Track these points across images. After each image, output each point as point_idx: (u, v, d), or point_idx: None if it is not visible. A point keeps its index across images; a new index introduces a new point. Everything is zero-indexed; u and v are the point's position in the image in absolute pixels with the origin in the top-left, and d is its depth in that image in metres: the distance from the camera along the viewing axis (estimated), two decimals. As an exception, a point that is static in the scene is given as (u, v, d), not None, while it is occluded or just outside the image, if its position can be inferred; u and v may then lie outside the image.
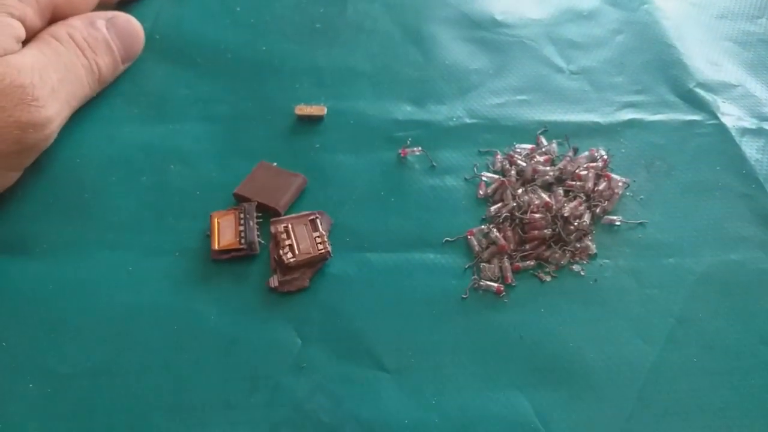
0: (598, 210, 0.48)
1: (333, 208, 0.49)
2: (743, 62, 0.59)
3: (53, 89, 0.46)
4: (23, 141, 0.44)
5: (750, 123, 0.54)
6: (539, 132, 0.53)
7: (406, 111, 0.55)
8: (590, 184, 0.49)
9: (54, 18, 0.51)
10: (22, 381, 0.40)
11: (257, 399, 0.40)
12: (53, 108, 0.46)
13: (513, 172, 0.50)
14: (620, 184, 0.49)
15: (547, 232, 0.46)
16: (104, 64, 0.52)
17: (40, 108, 0.45)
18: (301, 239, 0.46)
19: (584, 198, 0.48)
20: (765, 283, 0.45)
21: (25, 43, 0.48)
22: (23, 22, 0.47)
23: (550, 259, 0.45)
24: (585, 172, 0.49)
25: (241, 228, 0.46)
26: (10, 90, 0.43)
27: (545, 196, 0.48)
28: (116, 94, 0.55)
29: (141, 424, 0.39)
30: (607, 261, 0.46)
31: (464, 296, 0.44)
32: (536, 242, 0.46)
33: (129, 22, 0.55)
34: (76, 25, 0.51)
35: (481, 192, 0.49)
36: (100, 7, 0.55)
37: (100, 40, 0.52)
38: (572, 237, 0.46)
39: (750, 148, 0.52)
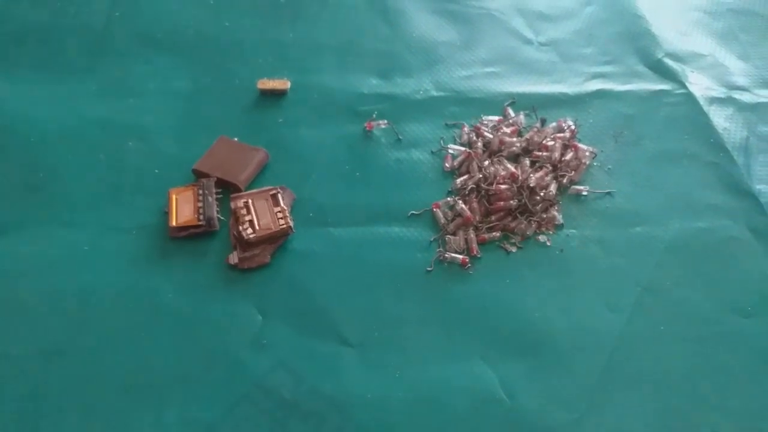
0: (564, 180, 0.47)
1: (296, 182, 0.47)
2: (713, 32, 0.59)
3: None
4: None
5: (719, 92, 0.54)
6: (506, 104, 0.52)
7: (371, 84, 0.54)
8: (557, 155, 0.48)
9: None
10: (-29, 363, 0.39)
11: (216, 375, 0.39)
12: None
13: (480, 144, 0.49)
14: (587, 154, 0.48)
15: (513, 203, 0.45)
16: None
17: None
18: (261, 215, 0.44)
19: (551, 168, 0.47)
20: (732, 251, 0.44)
21: None
22: None
23: (515, 230, 0.45)
24: (552, 143, 0.48)
25: (200, 204, 0.45)
26: None
27: (511, 167, 0.47)
28: (73, 70, 0.53)
29: (95, 404, 0.38)
30: (573, 231, 0.45)
31: (429, 269, 0.43)
32: (502, 213, 0.45)
33: None
34: None
35: (447, 165, 0.48)
36: None
37: None
38: (538, 207, 0.45)
39: (718, 117, 0.51)
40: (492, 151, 0.49)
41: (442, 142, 0.50)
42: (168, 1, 0.60)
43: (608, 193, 0.47)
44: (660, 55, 0.56)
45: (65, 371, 0.39)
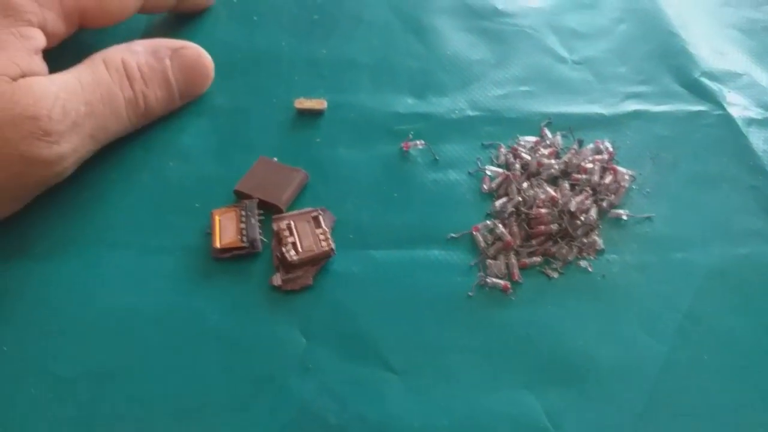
0: (604, 204, 0.47)
1: (335, 204, 0.48)
2: (748, 50, 0.59)
3: (75, 123, 0.42)
4: (27, 176, 0.42)
5: (756, 113, 0.53)
6: (543, 124, 0.53)
7: (407, 103, 0.54)
8: (596, 178, 0.48)
9: (84, 23, 0.47)
10: (23, 386, 0.40)
11: (263, 401, 0.39)
12: (69, 144, 0.42)
13: (517, 166, 0.49)
14: (626, 177, 0.48)
15: (554, 227, 0.45)
16: (155, 97, 0.48)
17: (52, 144, 0.41)
18: (303, 236, 0.45)
19: (590, 192, 0.47)
20: (774, 278, 0.44)
21: (67, 62, 0.45)
22: (44, 29, 0.43)
23: (556, 255, 0.45)
24: (591, 165, 0.48)
25: (243, 225, 0.45)
26: (19, 120, 0.39)
27: (551, 191, 0.47)
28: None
29: (145, 428, 0.38)
30: (614, 256, 0.45)
31: (470, 294, 0.43)
32: (542, 238, 0.45)
33: (198, 56, 0.51)
34: (136, 51, 0.47)
35: (485, 186, 0.49)
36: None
37: (158, 71, 0.48)
38: (579, 232, 0.45)
39: (757, 139, 0.51)
40: (530, 173, 0.49)
41: (479, 162, 0.50)
42: (203, 19, 0.60)
43: (648, 218, 0.47)
44: (696, 75, 0.56)
45: (114, 394, 0.39)
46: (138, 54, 0.48)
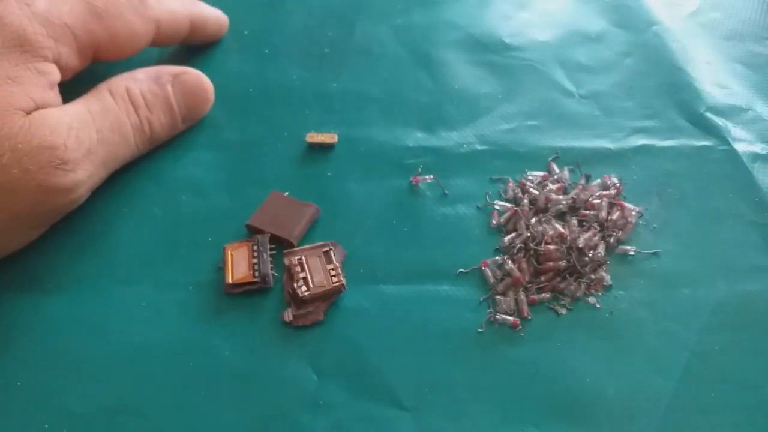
0: (612, 240, 0.48)
1: (345, 238, 0.48)
2: (752, 85, 0.60)
3: (89, 151, 0.43)
4: (45, 204, 0.42)
5: (761, 148, 0.54)
6: (550, 158, 0.53)
7: (416, 137, 0.55)
8: (604, 214, 0.48)
9: (97, 56, 0.49)
10: (37, 421, 0.40)
11: (275, 438, 0.40)
12: (84, 171, 0.43)
13: (526, 201, 0.50)
14: (634, 213, 0.49)
15: (562, 263, 0.46)
16: (159, 123, 0.50)
17: (69, 172, 0.42)
18: (315, 272, 0.45)
19: (598, 228, 0.48)
20: (780, 315, 0.45)
21: (79, 88, 0.46)
22: (58, 63, 0.44)
23: (565, 291, 0.45)
24: (598, 201, 0.49)
25: (255, 261, 0.46)
26: (37, 152, 0.40)
27: (559, 227, 0.47)
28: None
29: (158, 465, 0.39)
30: (621, 292, 0.46)
31: (480, 330, 0.44)
32: (551, 274, 0.46)
33: (198, 80, 0.53)
34: (138, 78, 0.49)
35: (494, 221, 0.49)
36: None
37: (161, 97, 0.50)
38: (587, 268, 0.46)
39: (762, 175, 0.52)
40: (538, 208, 0.49)
41: (487, 197, 0.51)
42: (214, 51, 0.61)
43: (654, 253, 0.48)
44: (702, 110, 0.57)
45: (128, 428, 0.40)
46: (141, 81, 0.49)
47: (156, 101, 0.50)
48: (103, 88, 0.48)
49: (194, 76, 0.53)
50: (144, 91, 0.49)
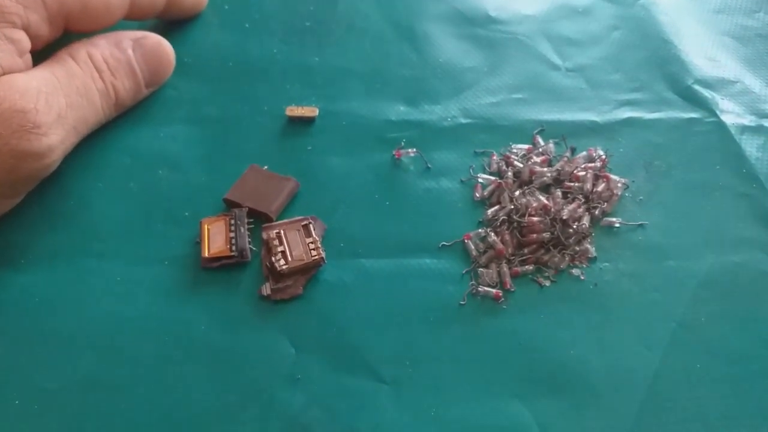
0: (597, 212, 0.47)
1: (326, 212, 0.48)
2: (741, 58, 0.59)
3: (59, 115, 0.43)
4: (19, 170, 0.42)
5: (749, 120, 0.53)
6: (536, 132, 0.52)
7: (399, 111, 0.54)
8: (589, 186, 0.48)
9: (69, 27, 0.48)
10: (8, 397, 0.39)
11: (250, 412, 0.39)
12: (57, 136, 0.43)
13: (510, 174, 0.49)
14: (619, 185, 0.48)
15: (546, 235, 0.45)
16: (123, 88, 0.49)
17: (42, 136, 0.41)
18: (293, 245, 0.44)
19: (583, 200, 0.47)
20: (767, 286, 0.44)
21: (39, 57, 0.45)
22: (27, 31, 0.43)
23: (549, 263, 0.45)
24: (583, 173, 0.48)
25: (232, 235, 0.45)
26: (8, 115, 0.40)
27: (543, 199, 0.47)
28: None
29: (132, 440, 0.38)
30: (607, 264, 0.45)
31: (462, 303, 0.43)
32: (535, 246, 0.45)
33: (159, 44, 0.52)
34: (99, 44, 0.48)
35: (477, 194, 0.48)
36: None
37: (123, 62, 0.49)
38: (571, 240, 0.45)
39: (750, 147, 0.51)
40: (523, 181, 0.49)
41: (471, 170, 0.50)
42: (193, 26, 0.60)
43: (640, 225, 0.47)
44: (689, 82, 0.56)
45: (101, 405, 0.39)
46: (101, 46, 0.48)
47: (119, 66, 0.49)
48: (63, 53, 0.47)
49: (154, 40, 0.52)
50: (106, 56, 0.48)
